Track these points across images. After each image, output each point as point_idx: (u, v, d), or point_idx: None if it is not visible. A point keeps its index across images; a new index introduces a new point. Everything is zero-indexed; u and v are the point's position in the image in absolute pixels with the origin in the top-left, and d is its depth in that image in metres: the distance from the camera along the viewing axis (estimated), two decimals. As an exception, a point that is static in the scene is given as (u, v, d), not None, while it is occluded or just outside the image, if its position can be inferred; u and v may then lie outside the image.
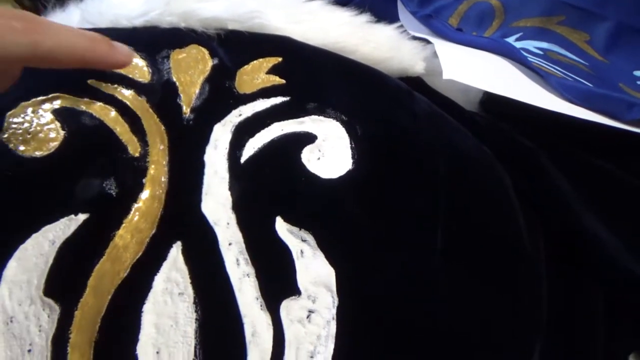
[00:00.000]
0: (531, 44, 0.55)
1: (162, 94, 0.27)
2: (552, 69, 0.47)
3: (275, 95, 0.29)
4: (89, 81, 0.27)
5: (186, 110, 0.27)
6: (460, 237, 0.28)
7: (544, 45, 0.55)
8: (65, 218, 0.23)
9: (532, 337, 0.30)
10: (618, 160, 0.40)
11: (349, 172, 0.27)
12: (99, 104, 0.26)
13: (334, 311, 0.24)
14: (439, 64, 0.39)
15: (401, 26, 0.42)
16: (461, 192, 0.30)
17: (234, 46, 0.32)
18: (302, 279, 0.24)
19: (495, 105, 0.43)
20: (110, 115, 0.26)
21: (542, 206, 0.36)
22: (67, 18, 0.34)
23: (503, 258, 0.30)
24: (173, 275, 0.22)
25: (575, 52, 0.54)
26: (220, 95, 0.28)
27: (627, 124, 0.40)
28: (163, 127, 0.26)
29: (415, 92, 0.34)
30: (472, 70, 0.39)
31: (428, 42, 0.44)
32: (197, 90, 0.28)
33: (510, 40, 0.55)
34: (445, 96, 0.41)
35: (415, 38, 0.47)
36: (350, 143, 0.28)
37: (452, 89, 0.42)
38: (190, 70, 0.29)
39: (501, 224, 0.31)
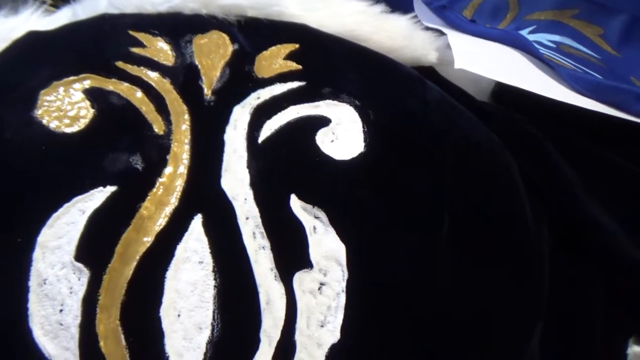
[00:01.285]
0: (544, 37, 0.55)
1: (185, 76, 0.29)
2: (564, 61, 0.48)
3: (292, 80, 0.30)
4: (117, 63, 0.29)
5: (207, 92, 0.28)
6: (465, 221, 0.30)
7: (557, 38, 0.55)
8: (95, 190, 0.24)
9: (533, 322, 0.31)
10: (625, 151, 0.41)
11: (360, 155, 0.28)
12: (126, 84, 0.28)
13: (344, 284, 0.25)
14: (452, 54, 0.40)
15: (415, 17, 0.43)
16: (468, 178, 0.31)
17: (253, 32, 0.33)
18: (315, 253, 0.25)
19: (506, 96, 0.44)
20: (136, 96, 0.28)
21: (547, 192, 0.37)
22: (94, 3, 0.35)
23: (508, 243, 0.31)
24: (193, 244, 0.24)
25: (588, 45, 0.55)
26: (239, 79, 0.30)
27: (635, 115, 0.41)
28: (186, 108, 0.28)
29: (427, 80, 0.35)
30: (484, 61, 0.40)
31: (441, 33, 0.45)
32: (218, 74, 0.29)
33: (524, 33, 0.55)
34: (456, 85, 0.42)
35: (428, 29, 0.48)
36: (363, 127, 0.29)
37: (464, 79, 0.43)
38: (212, 55, 0.30)
39: (507, 209, 0.32)
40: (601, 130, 0.42)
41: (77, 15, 0.36)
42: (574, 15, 0.56)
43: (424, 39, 0.41)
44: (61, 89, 0.27)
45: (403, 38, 0.40)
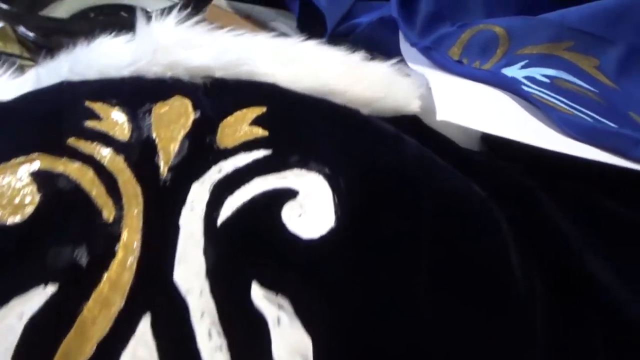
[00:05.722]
0: (537, 72, 0.53)
1: (141, 152, 0.27)
2: (557, 102, 0.46)
3: (258, 149, 0.28)
4: (70, 140, 0.27)
5: (164, 169, 0.27)
6: (445, 275, 0.27)
7: (551, 72, 0.53)
8: (34, 290, 0.22)
9: None
10: (624, 198, 0.39)
11: (331, 231, 0.26)
12: (77, 164, 0.26)
13: (311, 381, 0.23)
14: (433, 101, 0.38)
15: (400, 61, 0.42)
16: (446, 229, 0.29)
17: (219, 95, 0.31)
18: (278, 349, 0.23)
19: (495, 141, 0.42)
20: (87, 177, 0.26)
21: (540, 244, 0.34)
22: (57, 67, 0.34)
23: (489, 286, 0.29)
24: (140, 352, 0.22)
25: (584, 78, 0.53)
26: (200, 152, 0.28)
27: (634, 161, 0.39)
28: (139, 188, 0.26)
29: (403, 135, 0.33)
30: (468, 110, 0.38)
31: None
32: (177, 148, 0.27)
33: (515, 68, 0.54)
34: (441, 135, 0.40)
35: (413, 73, 0.46)
36: (334, 198, 0.27)
37: (450, 125, 0.41)
38: (172, 125, 0.29)
39: (488, 255, 0.30)
40: (598, 176, 0.40)
41: (40, 81, 0.34)
42: (569, 47, 0.54)
43: (406, 87, 0.39)
44: (8, 173, 0.26)
45: (383, 87, 0.38)
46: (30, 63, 0.48)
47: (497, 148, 0.42)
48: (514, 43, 0.55)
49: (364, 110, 0.37)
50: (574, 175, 0.39)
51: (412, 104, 0.39)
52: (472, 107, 0.39)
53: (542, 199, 0.36)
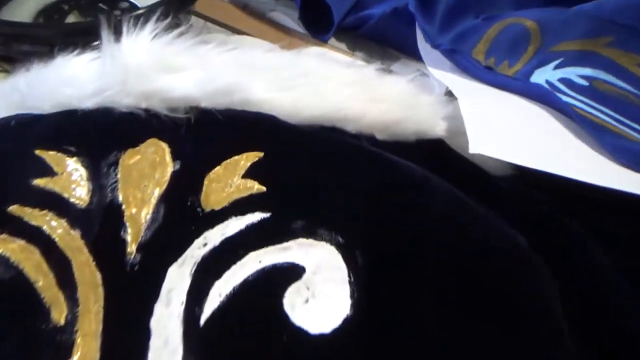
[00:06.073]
0: (574, 72, 0.47)
1: (102, 223, 0.21)
2: (601, 116, 0.39)
3: (253, 210, 0.23)
4: (12, 208, 0.21)
5: (131, 248, 0.21)
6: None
7: (588, 72, 0.47)
8: None
9: None
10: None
11: (346, 322, 0.21)
12: (19, 242, 0.20)
13: None
14: (462, 123, 0.32)
15: (418, 70, 0.35)
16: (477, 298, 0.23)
17: (205, 136, 0.25)
18: None
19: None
20: (32, 260, 0.20)
21: (568, 273, 0.29)
22: (6, 95, 0.28)
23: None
24: None
25: (624, 78, 0.46)
26: (179, 220, 0.22)
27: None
28: (99, 276, 0.20)
29: (431, 178, 0.27)
30: (503, 142, 0.32)
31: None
32: (149, 216, 0.22)
33: (549, 68, 0.47)
34: (468, 161, 0.34)
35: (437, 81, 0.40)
36: (349, 276, 0.22)
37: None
38: (144, 183, 0.23)
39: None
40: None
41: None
42: (608, 43, 0.48)
43: (429, 106, 0.33)
44: None
45: (404, 108, 0.32)
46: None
47: (531, 175, 0.37)
48: (547, 39, 0.48)
49: (380, 136, 0.31)
50: (613, 206, 0.34)
51: (437, 127, 0.33)
52: (507, 137, 0.33)
53: (572, 229, 0.31)
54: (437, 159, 0.32)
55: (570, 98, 0.42)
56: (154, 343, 0.19)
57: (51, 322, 0.19)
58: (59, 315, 0.19)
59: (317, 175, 0.24)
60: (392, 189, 0.25)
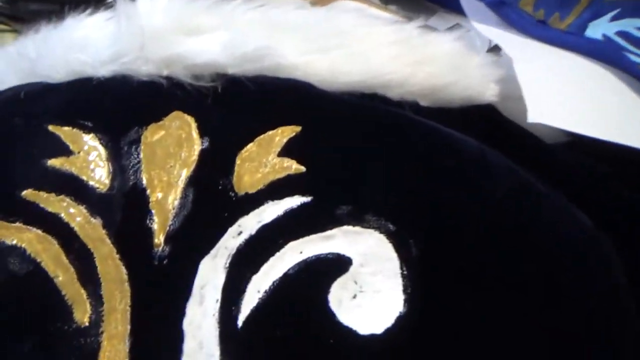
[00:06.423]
0: (632, 24, 0.42)
1: (125, 210, 0.19)
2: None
3: (291, 194, 0.20)
4: (25, 193, 0.19)
5: (159, 239, 0.18)
6: None
7: (649, 24, 0.42)
8: None
9: None
10: None
11: (399, 321, 0.18)
12: (36, 231, 0.18)
13: None
14: (516, 86, 0.29)
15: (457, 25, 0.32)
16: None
17: (235, 108, 0.23)
18: None
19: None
20: (51, 252, 0.18)
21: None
22: (13, 61, 0.25)
23: None
24: None
25: (689, 29, 0.42)
26: (210, 206, 0.19)
27: None
28: (125, 272, 0.18)
29: (488, 151, 0.24)
30: (564, 109, 0.29)
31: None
32: (177, 201, 0.19)
33: (605, 20, 0.43)
34: (522, 129, 0.30)
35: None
36: (401, 268, 0.19)
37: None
38: (170, 163, 0.20)
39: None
40: None
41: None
42: (670, -10, 0.43)
43: (480, 69, 0.30)
44: None
45: (451, 71, 0.28)
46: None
47: (584, 140, 0.33)
48: (602, -13, 0.44)
49: (424, 102, 0.28)
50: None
51: (487, 91, 0.29)
52: (567, 104, 0.29)
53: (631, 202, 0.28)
54: (487, 127, 0.29)
55: (631, 54, 0.38)
56: (188, 346, 0.17)
57: (74, 323, 0.17)
58: (82, 314, 0.17)
59: (362, 152, 0.21)
60: (448, 168, 0.22)
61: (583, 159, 0.31)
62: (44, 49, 0.25)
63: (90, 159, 0.20)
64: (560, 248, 0.23)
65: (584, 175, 0.30)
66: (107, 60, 0.24)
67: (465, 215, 0.20)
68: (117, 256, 0.18)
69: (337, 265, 0.19)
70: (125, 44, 0.23)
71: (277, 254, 0.19)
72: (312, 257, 0.19)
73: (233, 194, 0.20)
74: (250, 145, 0.21)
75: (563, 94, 0.30)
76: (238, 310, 0.18)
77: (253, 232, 0.19)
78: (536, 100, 0.27)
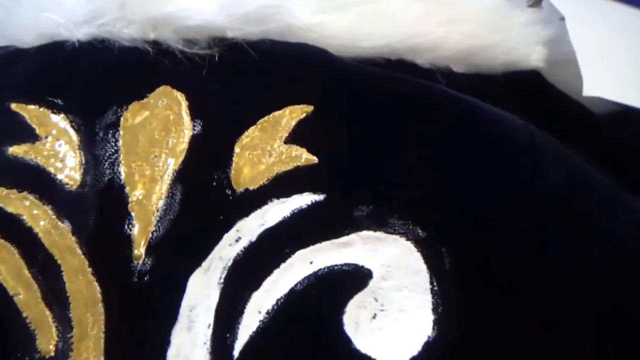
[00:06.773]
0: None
1: (98, 215, 0.16)
2: None
3: (300, 190, 0.17)
4: (-20, 189, 0.16)
5: (139, 250, 0.15)
6: None
7: None
8: None
9: None
10: None
11: (427, 347, 0.16)
12: (-6, 240, 0.15)
13: None
14: (565, 49, 0.25)
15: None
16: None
17: (235, 81, 0.19)
18: None
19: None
20: (9, 264, 0.15)
21: None
22: None
23: None
24: None
25: None
26: (202, 206, 0.16)
27: None
28: (98, 290, 0.15)
29: (537, 133, 0.21)
30: (621, 79, 0.25)
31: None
32: (162, 201, 0.16)
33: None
34: (571, 100, 0.27)
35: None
36: (431, 283, 0.16)
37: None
38: (154, 152, 0.17)
39: None
40: None
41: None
42: None
43: (523, 29, 0.26)
44: None
45: (491, 32, 0.25)
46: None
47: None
48: None
49: (458, 68, 0.24)
50: None
51: (532, 55, 0.26)
52: (624, 74, 0.26)
53: None
54: (532, 97, 0.25)
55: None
56: (174, 385, 0.14)
57: (37, 353, 0.14)
58: (46, 342, 0.14)
59: (387, 138, 0.18)
60: (490, 159, 0.18)
61: (635, 131, 0.28)
62: (13, 6, 0.21)
63: (59, 147, 0.17)
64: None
65: (636, 151, 0.27)
66: (82, 21, 0.20)
67: (509, 219, 0.17)
68: (89, 270, 0.15)
69: (354, 278, 0.16)
70: (103, 1, 0.20)
71: (283, 265, 0.16)
72: (324, 268, 0.16)
73: (230, 191, 0.17)
74: (251, 129, 0.18)
75: (617, 60, 0.26)
76: (234, 337, 0.15)
77: (254, 238, 0.16)
78: (592, 70, 0.23)
